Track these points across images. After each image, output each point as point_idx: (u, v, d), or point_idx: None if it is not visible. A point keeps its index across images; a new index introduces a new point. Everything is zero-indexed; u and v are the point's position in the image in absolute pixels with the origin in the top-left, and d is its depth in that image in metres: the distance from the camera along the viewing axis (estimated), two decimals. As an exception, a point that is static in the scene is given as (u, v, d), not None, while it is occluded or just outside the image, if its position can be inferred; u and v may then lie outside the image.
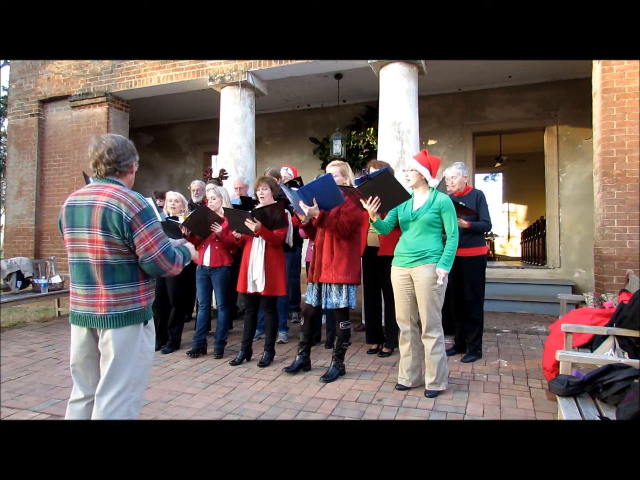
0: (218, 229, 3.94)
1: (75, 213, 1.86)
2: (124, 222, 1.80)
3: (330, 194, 3.27)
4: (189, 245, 2.17)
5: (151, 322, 2.01)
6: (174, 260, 1.94)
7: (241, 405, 3.00)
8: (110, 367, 1.87)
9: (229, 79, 6.01)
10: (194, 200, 4.94)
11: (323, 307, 3.48)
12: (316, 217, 3.28)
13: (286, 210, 3.81)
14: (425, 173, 3.09)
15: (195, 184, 5.12)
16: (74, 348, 1.96)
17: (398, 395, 3.14)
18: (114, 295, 1.86)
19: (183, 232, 4.05)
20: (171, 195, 4.38)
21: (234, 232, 3.86)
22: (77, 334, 1.94)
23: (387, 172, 3.04)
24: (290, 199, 3.45)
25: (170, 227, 4.07)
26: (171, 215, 4.27)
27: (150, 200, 2.68)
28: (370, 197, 3.00)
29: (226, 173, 5.35)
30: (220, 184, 5.12)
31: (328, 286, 3.43)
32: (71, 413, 1.98)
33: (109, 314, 1.85)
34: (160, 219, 1.95)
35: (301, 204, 3.26)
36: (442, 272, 2.98)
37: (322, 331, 4.61)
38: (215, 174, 5.39)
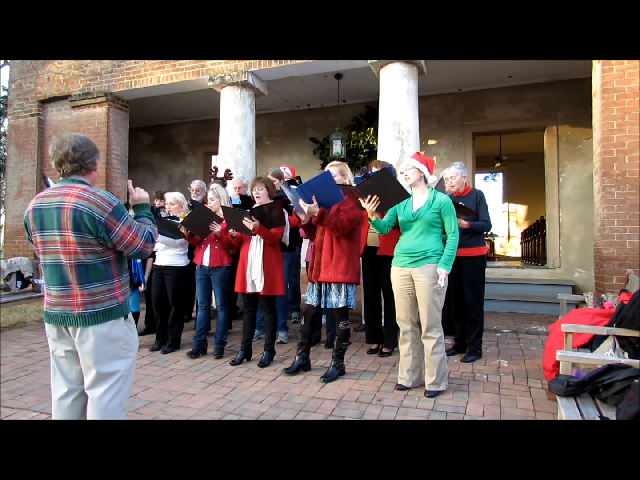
0: (217, 228, 3.94)
1: (43, 215, 1.85)
2: (97, 222, 1.81)
3: (329, 192, 3.27)
4: (141, 191, 2.14)
5: (131, 316, 2.04)
6: (152, 239, 1.98)
7: (241, 405, 3.00)
8: (96, 362, 1.87)
9: (229, 79, 6.01)
10: (195, 200, 4.93)
11: (323, 306, 3.48)
12: (316, 214, 3.29)
13: (284, 209, 3.81)
14: (424, 169, 3.10)
15: (195, 184, 5.12)
16: (53, 343, 1.97)
17: (398, 395, 3.14)
18: (90, 294, 1.87)
19: (182, 231, 4.06)
20: (168, 197, 4.38)
21: (230, 230, 3.86)
22: (54, 331, 1.94)
23: (385, 171, 3.04)
24: (289, 198, 3.45)
25: (170, 226, 4.07)
26: (170, 215, 4.26)
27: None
28: (369, 196, 3.00)
29: (231, 173, 5.35)
30: (225, 184, 5.12)
31: (327, 285, 3.43)
32: (59, 409, 1.98)
33: (86, 312, 1.86)
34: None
35: (301, 202, 3.27)
36: (443, 273, 2.98)
37: (322, 331, 4.61)
38: (221, 174, 5.39)
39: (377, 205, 3.03)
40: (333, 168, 3.55)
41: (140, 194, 2.13)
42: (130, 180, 2.24)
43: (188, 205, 4.44)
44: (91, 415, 1.91)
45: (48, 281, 1.92)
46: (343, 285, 3.39)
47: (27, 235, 1.98)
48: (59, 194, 1.85)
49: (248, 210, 3.63)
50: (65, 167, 1.89)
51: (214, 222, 3.95)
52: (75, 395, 1.97)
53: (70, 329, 1.89)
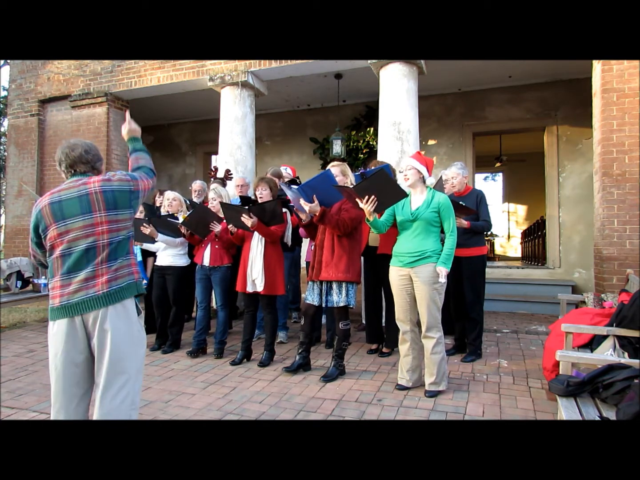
0: (217, 228, 3.94)
1: (64, 207, 1.89)
2: (130, 192, 1.97)
3: (330, 191, 3.27)
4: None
5: (142, 313, 2.06)
6: (154, 174, 2.18)
7: (241, 405, 3.00)
8: (112, 356, 1.85)
9: (229, 79, 6.01)
10: (196, 200, 4.93)
11: (324, 305, 3.48)
12: (317, 213, 3.29)
13: (285, 210, 3.81)
14: (424, 171, 3.11)
15: (197, 184, 5.11)
16: (60, 345, 1.86)
17: (398, 395, 3.14)
18: (115, 269, 1.91)
19: (182, 231, 4.06)
20: (169, 194, 4.39)
21: (229, 226, 3.86)
22: (65, 329, 1.85)
23: (383, 171, 3.02)
24: (290, 198, 3.46)
25: (170, 225, 4.07)
26: (169, 213, 4.26)
27: None
28: (367, 197, 3.00)
29: (231, 173, 5.35)
30: (225, 184, 5.12)
31: (328, 284, 3.43)
32: (63, 417, 1.92)
33: (111, 289, 1.87)
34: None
35: (302, 201, 3.27)
36: (443, 271, 2.98)
37: (322, 331, 4.61)
38: (220, 174, 5.39)
39: (375, 205, 3.02)
40: (334, 168, 3.55)
41: (135, 126, 2.26)
42: (128, 111, 2.42)
43: (187, 202, 4.44)
44: (103, 415, 1.85)
45: (70, 269, 1.87)
46: (344, 284, 3.39)
47: (33, 235, 1.95)
48: (79, 184, 1.92)
49: (247, 207, 3.64)
50: (79, 167, 1.98)
51: (214, 222, 3.95)
52: (77, 401, 1.93)
53: (86, 318, 1.84)
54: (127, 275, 1.95)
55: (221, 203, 3.88)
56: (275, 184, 3.93)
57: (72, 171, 1.97)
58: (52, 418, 1.94)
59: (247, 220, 3.59)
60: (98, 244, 1.89)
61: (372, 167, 4.11)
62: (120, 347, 1.87)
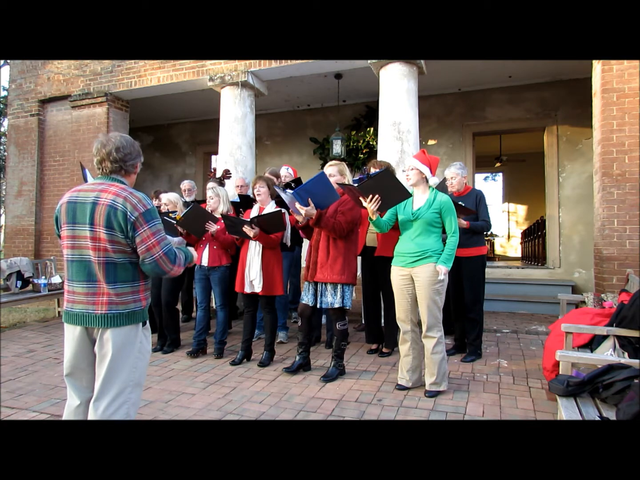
0: (213, 228, 3.94)
1: (77, 209, 1.84)
2: (128, 221, 1.79)
3: (325, 193, 3.26)
4: (191, 248, 2.17)
5: (147, 324, 2.00)
6: (175, 261, 1.92)
7: (241, 405, 3.00)
8: (108, 368, 1.84)
9: (229, 79, 6.01)
10: (187, 199, 4.97)
11: (318, 306, 3.48)
12: (313, 217, 3.28)
13: (284, 210, 3.81)
14: (426, 171, 3.10)
15: (185, 184, 5.17)
16: (70, 350, 1.91)
17: (398, 395, 3.14)
18: (116, 294, 1.84)
19: (180, 230, 4.06)
20: (163, 197, 4.42)
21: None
22: (72, 334, 1.89)
23: (387, 171, 3.04)
24: (286, 201, 3.45)
25: (167, 225, 4.07)
26: (168, 210, 4.27)
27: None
28: (371, 196, 3.00)
29: (229, 174, 5.36)
30: (223, 184, 5.13)
31: (323, 285, 3.43)
32: (69, 415, 1.95)
33: (109, 313, 1.82)
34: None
35: (297, 205, 3.25)
36: (443, 269, 2.98)
37: (322, 331, 4.61)
38: (219, 174, 5.40)
39: (379, 205, 3.02)
40: (332, 168, 3.54)
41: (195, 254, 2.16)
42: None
43: (183, 202, 4.45)
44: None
45: (73, 277, 1.87)
46: (339, 286, 3.38)
47: (56, 230, 1.95)
48: (96, 190, 1.84)
49: (249, 220, 3.64)
50: (105, 165, 1.89)
51: (210, 221, 3.94)
52: (86, 401, 1.93)
53: (91, 330, 1.86)
54: (132, 303, 1.87)
55: (223, 215, 3.89)
56: (273, 183, 3.96)
57: (101, 169, 1.90)
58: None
59: (250, 231, 3.61)
60: (95, 259, 1.82)
61: (372, 168, 4.12)
62: (117, 360, 1.85)
